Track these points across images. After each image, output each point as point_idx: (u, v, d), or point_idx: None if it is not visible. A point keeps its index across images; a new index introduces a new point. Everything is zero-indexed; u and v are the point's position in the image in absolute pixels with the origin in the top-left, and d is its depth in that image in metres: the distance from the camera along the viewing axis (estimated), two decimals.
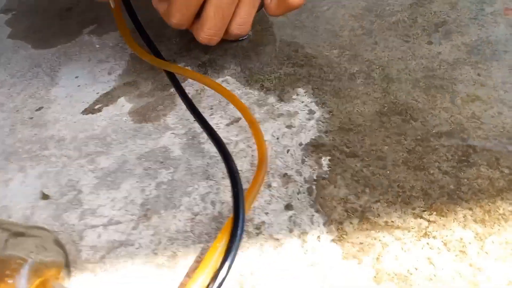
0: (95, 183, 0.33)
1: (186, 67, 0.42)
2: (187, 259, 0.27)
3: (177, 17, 0.35)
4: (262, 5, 0.38)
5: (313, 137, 0.34)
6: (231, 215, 0.25)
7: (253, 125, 0.31)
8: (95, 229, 0.29)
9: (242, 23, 0.36)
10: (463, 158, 0.30)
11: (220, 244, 0.23)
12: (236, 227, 0.23)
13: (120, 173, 0.33)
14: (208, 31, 0.35)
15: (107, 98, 0.41)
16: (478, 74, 0.37)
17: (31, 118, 0.40)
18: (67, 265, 0.24)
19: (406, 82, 0.37)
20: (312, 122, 0.35)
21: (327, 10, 0.48)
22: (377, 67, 0.39)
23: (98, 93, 0.42)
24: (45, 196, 0.32)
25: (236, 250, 0.23)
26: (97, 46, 0.49)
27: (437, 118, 0.33)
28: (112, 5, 0.43)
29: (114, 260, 0.27)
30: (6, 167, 0.35)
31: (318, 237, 0.27)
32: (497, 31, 0.41)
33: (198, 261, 0.26)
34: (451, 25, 0.43)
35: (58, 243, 0.24)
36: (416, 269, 0.25)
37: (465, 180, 0.29)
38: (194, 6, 0.34)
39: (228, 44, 0.45)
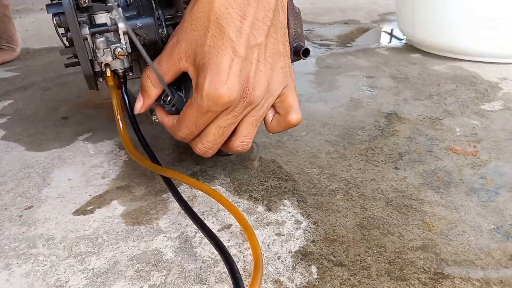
0: (84, 283, 0.32)
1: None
2: None
3: (185, 132, 0.38)
4: None
5: (302, 245, 0.36)
6: None
7: (247, 229, 0.34)
8: None
9: (244, 141, 0.39)
10: (438, 270, 0.33)
11: None
12: None
13: (111, 274, 0.33)
14: (206, 144, 0.38)
15: (100, 200, 0.42)
16: (441, 197, 0.42)
17: (20, 216, 0.40)
18: None
19: (380, 200, 0.42)
20: (300, 231, 0.37)
21: (305, 135, 0.55)
22: (353, 185, 0.44)
23: (90, 195, 0.43)
24: None
25: None
26: (92, 152, 0.51)
27: (411, 233, 0.37)
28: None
29: None
30: None
31: None
32: (451, 162, 0.48)
33: None
34: (412, 154, 0.50)
35: None
36: None
37: None
38: (202, 125, 0.37)
39: (217, 157, 0.50)
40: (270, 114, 0.40)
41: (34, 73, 0.83)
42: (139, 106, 0.38)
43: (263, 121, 0.39)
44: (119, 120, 0.43)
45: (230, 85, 0.33)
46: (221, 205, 0.41)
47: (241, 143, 0.38)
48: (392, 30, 1.13)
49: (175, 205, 0.41)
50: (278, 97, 0.38)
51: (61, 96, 0.69)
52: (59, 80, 0.77)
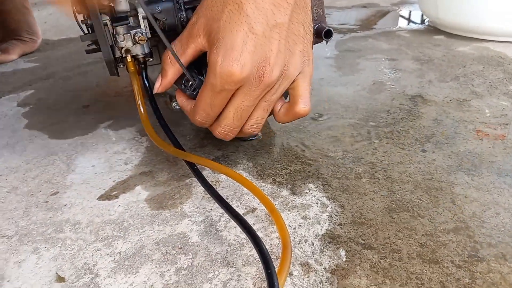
0: (112, 267, 0.32)
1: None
2: None
3: (202, 115, 0.37)
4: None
5: (329, 229, 0.35)
6: None
7: (273, 211, 0.33)
8: None
9: (255, 124, 0.39)
10: (473, 253, 0.32)
11: None
12: None
13: (138, 258, 0.33)
14: (225, 128, 0.38)
15: (124, 186, 0.42)
16: (472, 179, 0.40)
17: (46, 201, 0.40)
18: None
19: (408, 183, 0.40)
20: (326, 215, 0.37)
21: (327, 119, 0.54)
22: (380, 168, 0.43)
23: (114, 181, 0.43)
24: (60, 279, 0.31)
25: None
26: (114, 139, 0.51)
27: (442, 216, 0.36)
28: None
29: None
30: (19, 248, 0.34)
31: None
32: (481, 144, 0.46)
33: None
34: (439, 137, 0.48)
35: None
36: None
37: (478, 274, 0.30)
38: (218, 107, 0.37)
39: (239, 142, 0.49)
40: (279, 103, 0.39)
41: (54, 64, 0.84)
42: (158, 85, 0.38)
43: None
44: (140, 106, 0.43)
45: (243, 61, 0.32)
46: (245, 189, 0.40)
47: (251, 125, 0.38)
48: (410, 12, 1.09)
49: (198, 189, 0.41)
50: (291, 82, 0.37)
51: (81, 85, 0.70)
52: (78, 70, 0.77)
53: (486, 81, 0.62)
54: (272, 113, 0.41)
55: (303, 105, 0.38)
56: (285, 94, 0.39)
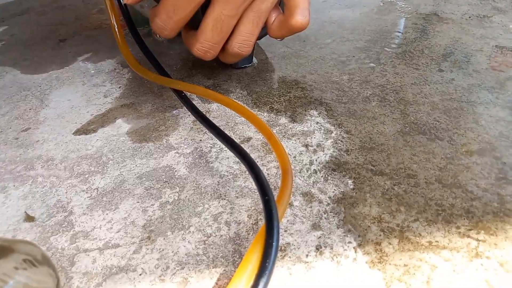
0: (88, 203, 0.28)
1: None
2: (201, 285, 0.22)
3: (162, 18, 0.31)
4: (265, 33, 0.37)
5: (334, 156, 0.31)
6: (261, 228, 0.21)
7: (271, 137, 0.29)
8: (89, 253, 0.24)
9: (243, 42, 0.33)
10: (501, 175, 0.28)
11: (251, 260, 0.19)
12: (271, 236, 0.19)
13: (118, 193, 0.29)
14: (204, 43, 0.32)
15: (103, 119, 0.37)
16: (497, 98, 0.35)
17: (16, 138, 0.36)
18: None
19: (424, 105, 0.35)
20: (330, 141, 0.32)
21: (331, 42, 0.48)
22: (391, 91, 0.38)
23: (92, 114, 0.38)
24: (29, 218, 0.27)
25: (273, 265, 0.19)
26: (92, 71, 0.46)
27: (464, 137, 0.31)
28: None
29: None
30: None
31: (354, 259, 0.23)
32: (506, 60, 0.41)
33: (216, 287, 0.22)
34: (458, 55, 0.42)
35: (48, 262, 0.20)
36: None
37: (508, 197, 0.26)
38: (182, 10, 0.30)
39: (232, 70, 0.44)
40: (273, 14, 0.33)
41: None
42: None
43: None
44: (116, 27, 0.37)
45: None
46: (238, 119, 0.36)
47: (239, 43, 0.32)
48: None
49: (186, 120, 0.36)
50: None
51: (58, 19, 0.63)
52: (56, 4, 0.70)
53: None
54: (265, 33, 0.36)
55: (300, 17, 0.32)
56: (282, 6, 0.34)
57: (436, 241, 0.24)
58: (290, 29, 0.33)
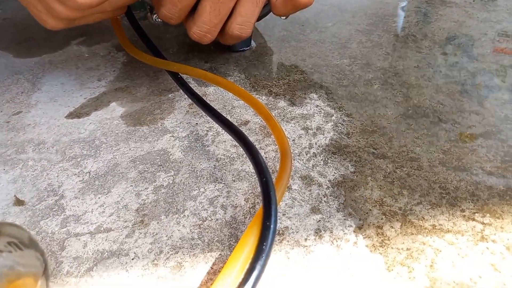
0: (80, 187, 0.27)
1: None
2: (195, 269, 0.21)
3: (168, 7, 0.30)
4: (266, 12, 0.36)
5: (334, 139, 0.30)
6: (258, 210, 0.20)
7: (269, 119, 0.28)
8: (80, 237, 0.24)
9: (243, 23, 0.32)
10: (507, 158, 0.27)
11: (247, 242, 0.18)
12: (268, 218, 0.18)
13: (111, 177, 0.28)
14: (202, 26, 0.31)
15: (96, 103, 0.36)
16: (502, 81, 0.34)
17: (7, 122, 0.35)
18: (46, 274, 0.19)
19: (427, 88, 0.34)
20: (331, 124, 0.31)
21: (332, 26, 0.47)
22: (393, 74, 0.37)
23: (85, 98, 0.37)
24: (19, 202, 0.26)
25: (270, 248, 0.18)
26: (86, 55, 0.45)
27: (468, 120, 0.30)
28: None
29: (104, 273, 0.21)
30: None
31: (355, 243, 0.22)
32: (511, 43, 0.39)
33: (211, 272, 0.21)
34: (462, 38, 0.41)
35: (35, 246, 0.19)
36: (480, 277, 0.20)
37: None
38: None
39: (229, 53, 0.43)
40: None
41: None
42: None
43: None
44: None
45: None
46: (236, 102, 0.35)
47: (239, 25, 0.31)
48: None
49: (182, 103, 0.35)
50: None
51: None
52: None
53: None
54: (265, 14, 0.34)
55: None
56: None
57: (440, 225, 0.23)
58: (295, 5, 0.32)
